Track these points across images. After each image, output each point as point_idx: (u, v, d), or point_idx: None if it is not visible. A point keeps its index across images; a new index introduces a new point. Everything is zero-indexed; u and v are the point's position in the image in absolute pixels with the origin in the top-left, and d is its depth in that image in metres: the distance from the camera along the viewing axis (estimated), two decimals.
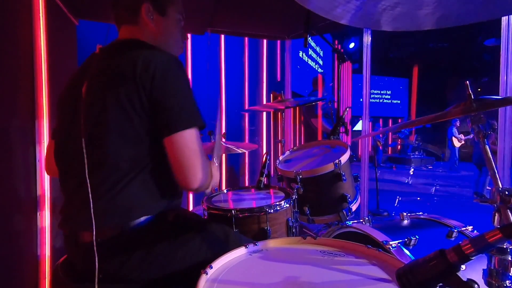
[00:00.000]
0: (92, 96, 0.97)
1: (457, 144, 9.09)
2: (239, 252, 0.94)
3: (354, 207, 1.72)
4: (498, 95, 1.15)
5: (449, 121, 9.28)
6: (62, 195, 1.06)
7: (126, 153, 0.95)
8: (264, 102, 4.87)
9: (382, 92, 13.57)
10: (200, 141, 0.97)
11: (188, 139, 0.94)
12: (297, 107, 5.76)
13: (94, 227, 0.91)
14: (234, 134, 4.42)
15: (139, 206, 0.98)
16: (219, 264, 0.87)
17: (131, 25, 1.09)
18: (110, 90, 0.93)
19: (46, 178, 1.68)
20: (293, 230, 1.44)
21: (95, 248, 0.90)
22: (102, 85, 0.96)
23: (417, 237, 1.28)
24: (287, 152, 2.03)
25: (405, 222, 1.53)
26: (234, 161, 4.49)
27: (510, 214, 0.78)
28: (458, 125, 9.14)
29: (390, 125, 10.20)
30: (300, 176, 1.62)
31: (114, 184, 0.94)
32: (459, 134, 9.06)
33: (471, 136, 8.16)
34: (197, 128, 0.97)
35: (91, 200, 0.92)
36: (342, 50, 2.28)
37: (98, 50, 1.08)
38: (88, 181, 0.92)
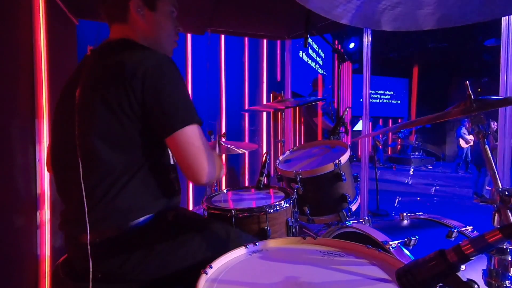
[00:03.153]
0: (84, 99, 0.96)
1: (464, 145, 8.98)
2: (239, 252, 0.94)
3: (354, 207, 1.71)
4: (498, 95, 1.15)
5: (458, 122, 9.20)
6: (59, 199, 1.06)
7: (119, 155, 0.95)
8: (264, 102, 4.87)
9: (381, 92, 13.56)
10: (202, 136, 0.97)
11: (190, 136, 0.94)
12: (297, 107, 5.76)
13: (88, 231, 0.91)
14: (234, 134, 4.41)
15: (137, 207, 0.98)
16: (219, 264, 0.87)
17: (121, 24, 1.07)
18: (99, 92, 0.93)
19: (46, 177, 1.67)
20: (293, 230, 1.44)
21: (89, 251, 0.91)
22: (92, 88, 0.95)
23: (417, 237, 1.28)
24: (287, 152, 2.03)
25: (405, 222, 1.53)
26: (234, 161, 4.49)
27: (510, 214, 0.78)
28: (467, 125, 8.99)
29: (390, 125, 10.21)
30: (300, 176, 1.61)
31: (109, 186, 0.94)
32: (468, 135, 8.94)
33: None
34: (197, 124, 0.96)
35: (85, 204, 0.92)
36: (342, 50, 2.28)
37: (89, 52, 1.07)
38: (83, 185, 0.92)
